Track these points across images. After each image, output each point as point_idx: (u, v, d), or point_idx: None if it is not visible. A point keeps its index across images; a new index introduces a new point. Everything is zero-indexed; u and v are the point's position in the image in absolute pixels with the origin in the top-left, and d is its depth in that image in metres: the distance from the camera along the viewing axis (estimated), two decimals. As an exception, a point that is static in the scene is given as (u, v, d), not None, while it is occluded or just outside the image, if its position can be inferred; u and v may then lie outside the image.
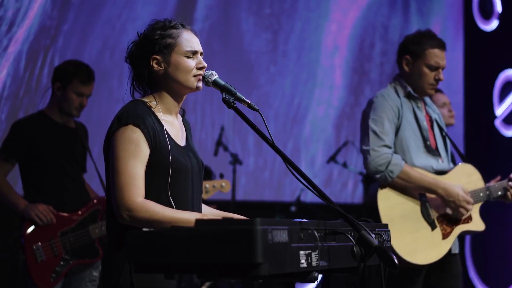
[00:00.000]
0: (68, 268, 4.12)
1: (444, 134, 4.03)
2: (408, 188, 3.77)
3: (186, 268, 1.95)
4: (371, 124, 3.82)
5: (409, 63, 3.93)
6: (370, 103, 3.91)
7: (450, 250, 3.85)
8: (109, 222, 2.54)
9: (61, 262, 4.09)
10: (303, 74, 7.42)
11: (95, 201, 4.24)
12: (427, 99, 4.06)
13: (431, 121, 3.99)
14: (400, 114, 3.86)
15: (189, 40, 2.60)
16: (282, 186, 7.21)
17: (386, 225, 2.59)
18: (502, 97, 7.38)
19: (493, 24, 7.58)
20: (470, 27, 7.96)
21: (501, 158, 6.90)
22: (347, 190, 7.67)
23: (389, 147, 3.80)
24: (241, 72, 6.67)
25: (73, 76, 4.21)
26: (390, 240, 2.57)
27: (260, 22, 7.16)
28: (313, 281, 2.12)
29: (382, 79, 7.88)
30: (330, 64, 7.62)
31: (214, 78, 2.58)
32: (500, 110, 7.36)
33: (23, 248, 4.08)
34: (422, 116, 3.93)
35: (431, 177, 3.79)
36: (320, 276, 2.24)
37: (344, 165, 6.88)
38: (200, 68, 2.60)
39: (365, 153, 3.80)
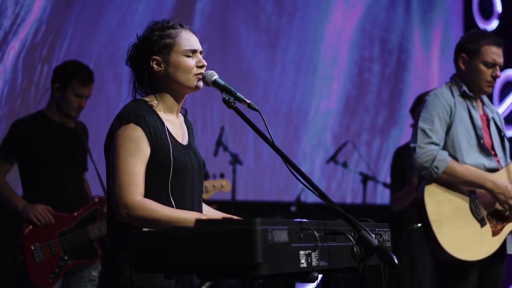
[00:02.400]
0: (67, 268, 4.12)
1: (502, 134, 4.00)
2: (455, 184, 3.77)
3: (186, 268, 1.95)
4: (421, 122, 3.83)
5: (465, 61, 3.92)
6: (423, 102, 3.92)
7: (505, 250, 3.83)
8: (110, 221, 2.54)
9: (60, 262, 4.09)
10: (298, 95, 7.40)
11: (96, 199, 4.23)
12: (485, 99, 4.04)
13: (487, 120, 3.96)
14: (452, 113, 3.85)
15: (188, 39, 2.60)
16: (282, 186, 7.20)
17: (386, 225, 2.59)
18: (502, 97, 7.39)
19: (493, 24, 7.58)
20: (470, 27, 7.95)
21: None
22: (347, 190, 7.67)
23: (436, 144, 3.79)
24: (238, 90, 6.59)
25: (72, 77, 4.19)
26: (390, 240, 2.57)
27: (258, 39, 7.13)
28: (313, 281, 2.12)
29: (379, 102, 7.88)
30: (328, 84, 7.62)
31: (214, 78, 2.58)
32: (500, 110, 7.36)
33: (21, 248, 4.08)
34: (477, 115, 3.90)
35: (478, 171, 3.78)
36: (320, 276, 2.24)
37: (344, 165, 6.88)
38: (200, 67, 2.59)
39: (412, 151, 3.82)
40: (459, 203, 3.77)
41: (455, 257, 3.69)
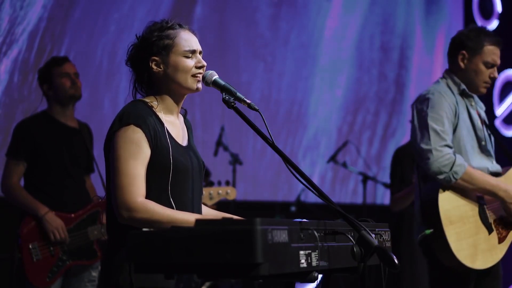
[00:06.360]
0: (65, 268, 4.12)
1: (489, 132, 3.89)
2: (468, 190, 3.65)
3: (186, 268, 1.95)
4: (431, 122, 3.66)
5: (465, 59, 3.80)
6: (426, 100, 3.73)
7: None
8: (109, 222, 2.54)
9: (58, 262, 4.09)
10: (293, 117, 7.40)
11: (100, 200, 4.24)
12: (475, 96, 3.89)
13: (481, 119, 3.84)
14: (457, 113, 3.72)
15: (187, 40, 2.60)
16: (282, 186, 7.20)
17: (386, 225, 2.59)
18: (502, 97, 7.39)
19: (493, 24, 7.58)
20: (470, 27, 7.95)
21: (501, 158, 6.88)
22: (347, 190, 7.67)
23: (451, 147, 3.65)
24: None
25: (50, 68, 4.30)
26: (390, 240, 2.57)
27: (255, 61, 7.12)
28: (313, 281, 2.12)
29: (376, 121, 7.88)
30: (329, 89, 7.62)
31: (214, 78, 2.58)
32: (500, 110, 7.36)
33: (19, 247, 4.08)
34: (475, 114, 3.79)
35: (493, 179, 3.68)
36: (320, 276, 2.24)
37: (344, 165, 6.87)
38: (200, 67, 2.59)
39: (425, 153, 3.63)
40: (469, 209, 3.67)
41: (465, 265, 3.58)
